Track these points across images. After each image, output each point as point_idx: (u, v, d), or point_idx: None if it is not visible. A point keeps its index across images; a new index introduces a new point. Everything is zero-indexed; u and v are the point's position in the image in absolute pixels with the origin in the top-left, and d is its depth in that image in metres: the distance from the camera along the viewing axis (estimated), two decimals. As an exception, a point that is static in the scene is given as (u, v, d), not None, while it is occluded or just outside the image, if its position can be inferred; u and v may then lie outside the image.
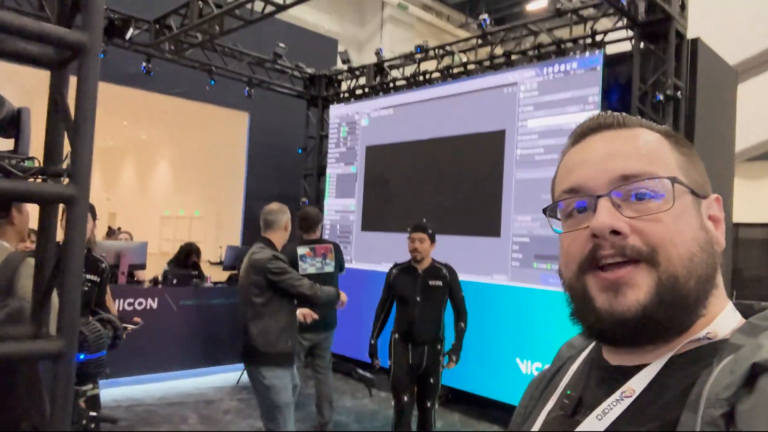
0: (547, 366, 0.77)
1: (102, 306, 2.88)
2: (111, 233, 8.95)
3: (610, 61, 4.53)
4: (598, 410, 0.57)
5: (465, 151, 5.20)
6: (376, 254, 5.92)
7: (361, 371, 5.96)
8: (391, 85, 6.28)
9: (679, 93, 4.04)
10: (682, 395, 0.51)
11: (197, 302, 5.92)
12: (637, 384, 0.56)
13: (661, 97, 4.03)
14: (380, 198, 6.02)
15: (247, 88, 6.57)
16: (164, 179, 20.65)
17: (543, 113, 4.64)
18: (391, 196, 5.88)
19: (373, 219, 6.06)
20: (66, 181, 1.37)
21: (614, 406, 0.56)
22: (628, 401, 0.56)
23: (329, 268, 4.35)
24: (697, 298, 0.56)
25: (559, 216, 0.65)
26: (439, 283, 3.64)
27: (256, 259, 3.08)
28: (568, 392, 0.64)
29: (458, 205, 5.22)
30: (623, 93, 4.53)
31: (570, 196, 0.62)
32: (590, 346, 0.69)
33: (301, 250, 4.21)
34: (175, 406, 5.01)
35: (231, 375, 5.94)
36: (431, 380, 3.63)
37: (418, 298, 3.62)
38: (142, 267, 5.73)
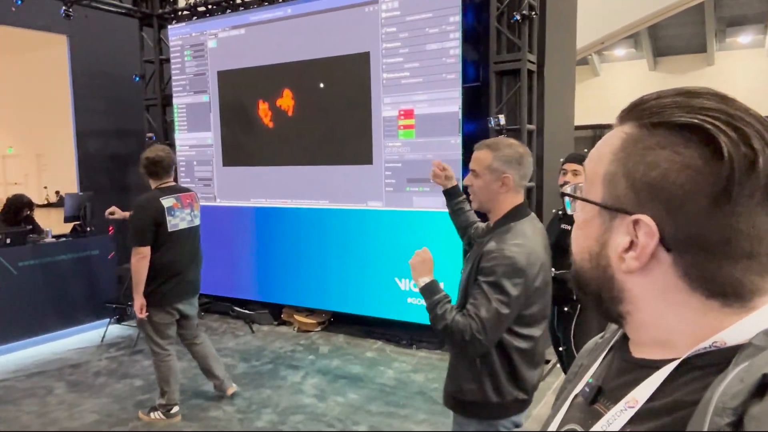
0: (600, 333, 0.78)
1: None
2: None
3: (467, -21, 4.53)
4: (604, 420, 0.59)
5: (330, 75, 5.00)
6: (242, 190, 5.64)
7: (238, 309, 5.84)
8: (239, 1, 5.72)
9: (533, 13, 4.20)
10: (690, 400, 0.51)
11: (40, 261, 5.24)
12: (639, 394, 0.57)
13: (518, 17, 4.16)
14: (241, 129, 5.64)
15: (64, 8, 5.58)
16: (-39, 113, 17.45)
17: (406, 35, 4.57)
18: (253, 126, 5.53)
19: (236, 153, 5.69)
20: None
21: (618, 416, 0.57)
22: (632, 411, 0.56)
23: (197, 220, 3.75)
24: (599, 294, 0.62)
25: None
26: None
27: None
28: (590, 380, 0.66)
29: (328, 133, 5.07)
30: (481, 12, 4.60)
31: None
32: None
33: (167, 202, 3.52)
34: (35, 377, 4.53)
35: (92, 334, 5.48)
36: None
37: None
38: (-38, 228, 4.88)
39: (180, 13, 6.20)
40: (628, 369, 0.61)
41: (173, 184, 3.67)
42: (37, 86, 8.45)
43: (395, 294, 4.85)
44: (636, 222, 0.55)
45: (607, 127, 9.16)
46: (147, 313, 3.50)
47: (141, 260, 3.41)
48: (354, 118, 4.89)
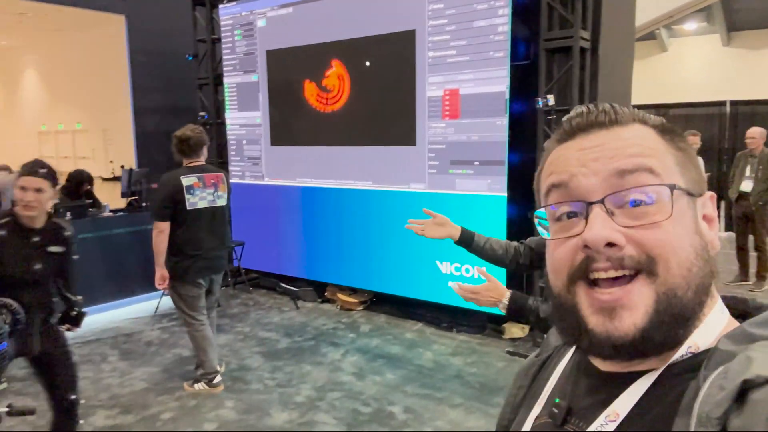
0: (534, 353, 0.74)
1: (64, 276, 2.70)
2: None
3: (518, -48, 4.34)
4: None
5: (375, 54, 4.94)
6: (289, 170, 5.71)
7: (284, 285, 5.96)
8: (287, -20, 5.70)
9: (587, -15, 3.99)
10: (670, 410, 0.49)
11: (97, 234, 5.51)
12: (621, 406, 0.54)
13: (571, -10, 3.96)
14: (288, 109, 5.68)
15: (121, -12, 5.75)
16: (34, 90, 18.51)
17: (453, 11, 4.44)
18: (300, 106, 5.56)
19: (283, 132, 5.75)
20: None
21: (601, 430, 0.55)
22: (613, 425, 0.54)
23: (222, 201, 3.82)
24: (694, 311, 0.53)
25: (546, 218, 0.60)
26: None
27: None
28: (557, 400, 0.62)
29: (372, 114, 5.03)
30: (532, -14, 4.40)
31: (558, 196, 0.57)
32: None
33: (187, 180, 3.58)
34: (92, 344, 4.79)
35: (147, 305, 5.73)
36: None
37: None
38: (28, 202, 5.16)
39: (231, -8, 6.25)
40: (599, 385, 0.58)
41: (201, 163, 3.75)
42: (100, 64, 8.82)
43: (436, 276, 4.81)
44: (711, 197, 0.58)
45: (674, 107, 8.71)
46: (167, 285, 3.69)
47: (159, 234, 3.64)
48: (398, 98, 4.82)
